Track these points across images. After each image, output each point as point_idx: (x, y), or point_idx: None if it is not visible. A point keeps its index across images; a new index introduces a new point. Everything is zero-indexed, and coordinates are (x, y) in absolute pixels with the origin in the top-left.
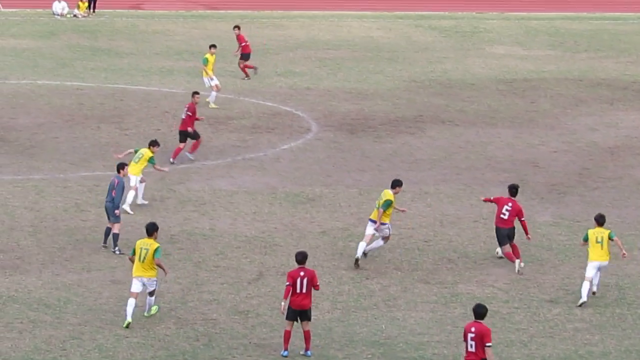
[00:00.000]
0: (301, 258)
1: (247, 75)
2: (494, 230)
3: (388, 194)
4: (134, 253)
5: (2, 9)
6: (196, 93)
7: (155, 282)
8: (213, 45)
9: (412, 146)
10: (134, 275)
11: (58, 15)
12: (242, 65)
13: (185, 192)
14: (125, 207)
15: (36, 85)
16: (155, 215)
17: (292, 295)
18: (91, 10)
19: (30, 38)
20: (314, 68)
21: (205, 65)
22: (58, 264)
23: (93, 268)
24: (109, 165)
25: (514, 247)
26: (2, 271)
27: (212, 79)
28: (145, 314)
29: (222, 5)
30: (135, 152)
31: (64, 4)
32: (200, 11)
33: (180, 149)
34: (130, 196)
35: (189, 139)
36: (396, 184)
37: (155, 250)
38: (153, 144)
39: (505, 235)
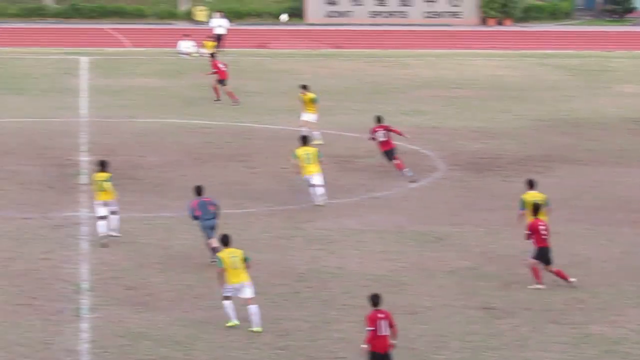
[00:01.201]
0: (377, 300)
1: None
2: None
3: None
4: (222, 264)
5: (130, 48)
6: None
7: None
8: (304, 86)
9: (541, 186)
10: (233, 283)
11: (184, 54)
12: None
13: (313, 230)
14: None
15: (164, 123)
16: (283, 253)
17: (374, 339)
18: (217, 50)
19: (158, 77)
20: (440, 107)
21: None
22: (187, 301)
23: (222, 305)
24: (237, 204)
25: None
26: (133, 308)
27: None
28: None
29: (347, 45)
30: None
31: (190, 43)
32: (326, 50)
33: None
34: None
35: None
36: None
37: (243, 254)
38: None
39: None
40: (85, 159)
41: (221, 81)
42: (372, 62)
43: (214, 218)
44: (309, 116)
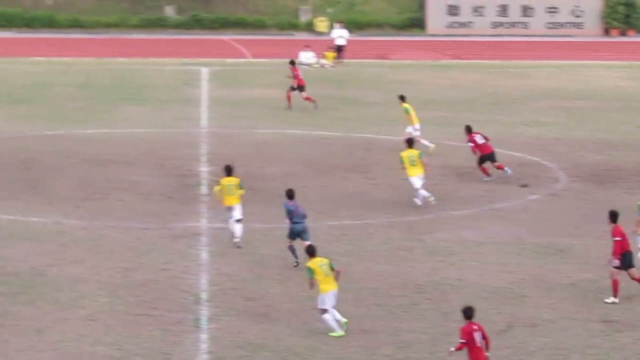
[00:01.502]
0: (471, 313)
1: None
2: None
3: None
4: (312, 274)
5: (251, 59)
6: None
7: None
8: (401, 97)
9: None
10: (327, 291)
11: (305, 65)
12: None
13: (433, 241)
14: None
15: (284, 134)
16: (403, 265)
17: (471, 351)
18: (338, 60)
19: (278, 88)
20: (561, 118)
21: (408, 114)
22: (307, 312)
23: (323, 320)
24: (356, 215)
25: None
26: (252, 319)
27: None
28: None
29: (468, 55)
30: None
31: (311, 53)
32: (446, 61)
33: (501, 166)
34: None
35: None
36: None
37: (331, 263)
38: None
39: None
40: (205, 170)
41: (300, 87)
42: (493, 73)
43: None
44: (411, 127)
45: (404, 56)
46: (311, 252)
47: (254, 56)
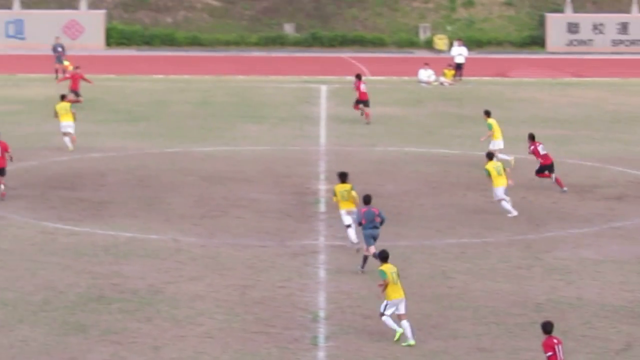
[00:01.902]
0: (550, 328)
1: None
2: None
3: None
4: (385, 276)
5: (370, 77)
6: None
7: None
8: (486, 112)
9: None
10: (393, 298)
11: (424, 83)
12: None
13: (552, 260)
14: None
15: (403, 152)
16: (521, 283)
17: None
18: (457, 78)
19: (397, 105)
20: None
21: (491, 130)
22: (424, 331)
23: (459, 335)
24: (475, 233)
25: None
26: (370, 337)
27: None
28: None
29: (588, 73)
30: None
31: (430, 71)
32: (566, 79)
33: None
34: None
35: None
36: None
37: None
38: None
39: None
40: (323, 188)
41: (363, 102)
42: (614, 90)
43: (377, 228)
44: (497, 143)
45: (523, 74)
46: (383, 257)
47: (373, 74)
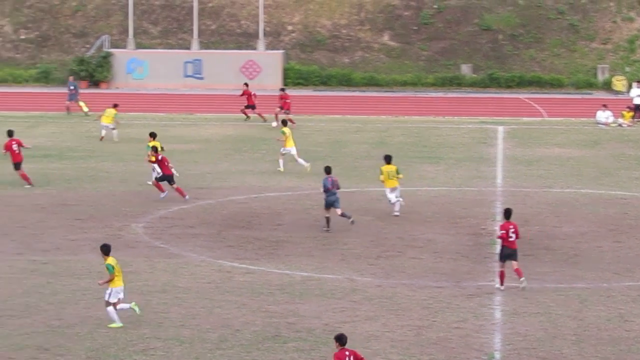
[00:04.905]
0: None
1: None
2: None
3: None
4: (112, 270)
5: (547, 118)
6: None
7: None
8: None
9: None
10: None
11: (602, 124)
12: None
13: None
14: None
15: (580, 193)
16: None
17: None
18: (636, 120)
19: (574, 147)
20: None
21: None
22: None
23: None
24: None
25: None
26: None
27: None
28: None
29: None
30: None
31: (608, 113)
32: None
33: None
34: None
35: None
36: None
37: None
38: None
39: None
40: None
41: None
42: None
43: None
44: None
45: None
46: (107, 250)
47: (550, 115)
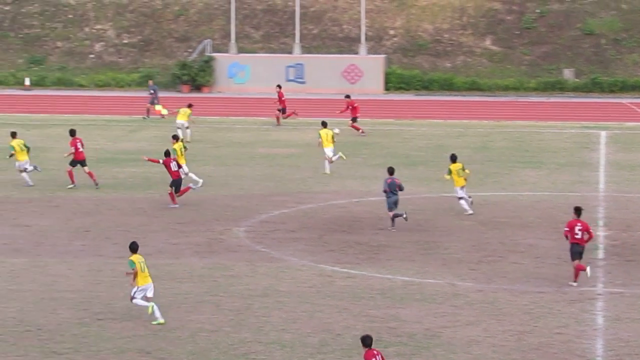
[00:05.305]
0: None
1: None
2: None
3: None
4: (134, 265)
5: None
6: None
7: None
8: None
9: None
10: (146, 284)
11: None
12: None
13: None
14: None
15: None
16: None
17: None
18: None
19: None
20: None
21: None
22: None
23: None
24: None
25: None
26: None
27: None
28: None
29: None
30: None
31: None
32: None
33: None
34: None
35: None
36: None
37: None
38: None
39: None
40: (601, 234)
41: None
42: None
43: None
44: None
45: None
46: (134, 248)
47: None
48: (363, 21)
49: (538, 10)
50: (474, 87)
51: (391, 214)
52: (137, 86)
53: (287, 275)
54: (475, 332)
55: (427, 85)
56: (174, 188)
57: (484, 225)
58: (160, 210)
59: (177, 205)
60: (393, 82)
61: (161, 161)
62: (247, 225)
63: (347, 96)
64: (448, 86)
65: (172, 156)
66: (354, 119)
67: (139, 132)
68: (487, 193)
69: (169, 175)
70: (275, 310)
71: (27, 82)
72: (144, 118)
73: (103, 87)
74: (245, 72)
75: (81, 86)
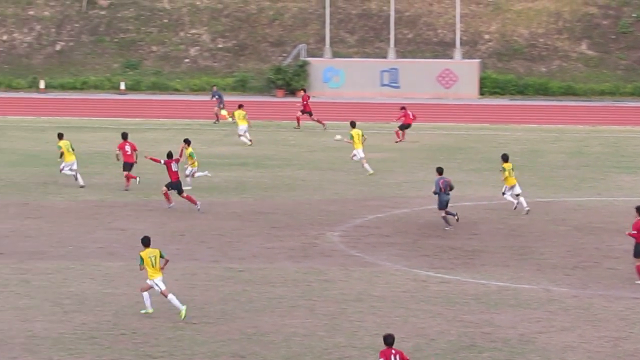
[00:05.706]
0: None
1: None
2: None
3: None
4: (142, 262)
5: None
6: None
7: None
8: None
9: None
10: (156, 277)
11: None
12: None
13: None
14: None
15: None
16: None
17: None
18: None
19: None
20: None
21: None
22: None
23: None
24: None
25: None
26: None
27: None
28: None
29: None
30: None
31: None
32: None
33: None
34: None
35: None
36: None
37: None
38: None
39: None
40: None
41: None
42: None
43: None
44: None
45: None
46: (146, 243)
47: None
48: (458, 26)
49: (634, 15)
50: (569, 92)
51: (443, 212)
52: (232, 90)
53: (381, 279)
54: (570, 338)
55: (522, 90)
56: (176, 190)
57: (579, 231)
58: (255, 214)
59: (173, 205)
60: (488, 87)
61: (162, 161)
62: (341, 230)
63: (403, 108)
64: (543, 91)
65: (174, 158)
66: (403, 127)
67: (233, 136)
68: (583, 198)
69: (168, 176)
70: (369, 315)
71: (122, 86)
72: (214, 123)
73: (198, 91)
74: (340, 77)
75: (176, 90)
